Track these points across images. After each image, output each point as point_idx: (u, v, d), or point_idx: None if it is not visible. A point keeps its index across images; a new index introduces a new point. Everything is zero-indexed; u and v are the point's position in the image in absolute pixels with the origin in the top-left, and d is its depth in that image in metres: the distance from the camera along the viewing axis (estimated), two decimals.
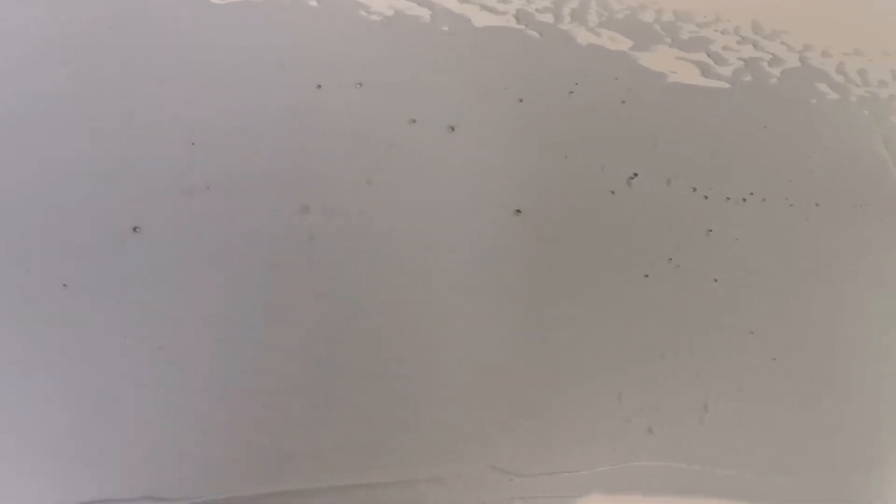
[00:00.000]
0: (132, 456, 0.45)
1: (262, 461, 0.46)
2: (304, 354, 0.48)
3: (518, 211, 0.52)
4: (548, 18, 0.54)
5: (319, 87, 0.51)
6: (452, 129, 0.52)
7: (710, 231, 0.54)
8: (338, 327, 0.48)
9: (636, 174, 0.53)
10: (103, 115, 0.48)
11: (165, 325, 0.46)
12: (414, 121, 0.52)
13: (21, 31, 0.47)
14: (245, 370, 0.47)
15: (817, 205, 0.54)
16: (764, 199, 0.54)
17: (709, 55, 0.55)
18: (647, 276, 0.52)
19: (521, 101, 0.53)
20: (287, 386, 0.47)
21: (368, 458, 0.48)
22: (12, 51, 0.47)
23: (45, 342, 0.45)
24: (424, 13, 0.53)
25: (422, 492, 0.49)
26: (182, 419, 0.46)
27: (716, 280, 0.53)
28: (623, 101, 0.54)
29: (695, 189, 0.54)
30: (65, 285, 0.46)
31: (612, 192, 0.53)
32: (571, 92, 0.54)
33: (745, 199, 0.54)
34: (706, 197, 0.53)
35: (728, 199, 0.54)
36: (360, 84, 0.51)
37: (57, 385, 0.45)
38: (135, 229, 0.47)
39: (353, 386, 0.48)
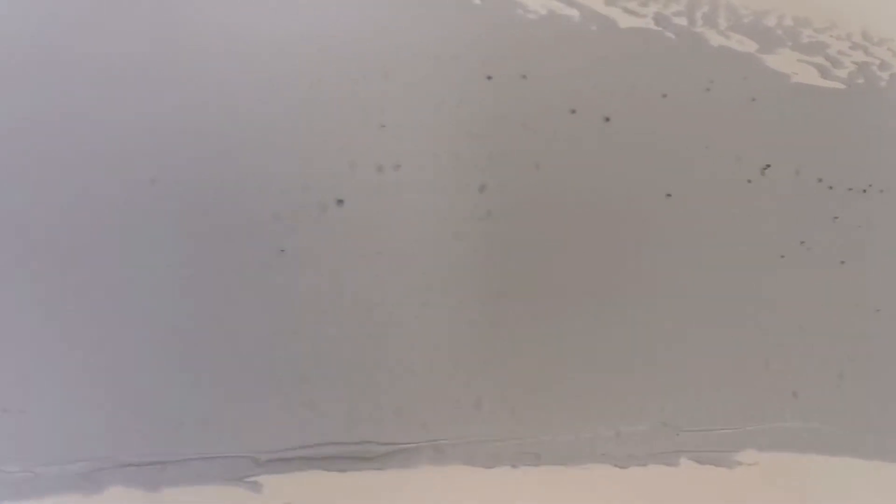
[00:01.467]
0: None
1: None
2: (484, 324, 0.51)
3: (669, 195, 0.56)
4: (682, 21, 0.60)
5: (490, 78, 0.55)
6: (608, 119, 0.56)
7: (836, 218, 0.59)
8: (518, 295, 0.52)
9: (769, 165, 0.58)
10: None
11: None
12: (574, 111, 0.56)
13: None
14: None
15: None
16: (882, 190, 0.60)
17: (826, 58, 0.61)
18: (782, 256, 0.57)
19: (664, 96, 0.58)
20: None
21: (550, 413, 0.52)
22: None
23: None
24: (574, 13, 0.58)
25: (600, 444, 0.52)
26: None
27: (842, 262, 0.58)
28: (753, 99, 0.59)
29: (820, 180, 0.59)
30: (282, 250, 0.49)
31: (749, 181, 0.58)
32: (707, 89, 0.59)
33: (864, 190, 0.60)
34: (831, 187, 0.59)
35: (850, 189, 0.59)
36: (525, 76, 0.55)
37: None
38: (339, 202, 0.50)
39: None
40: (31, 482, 0.43)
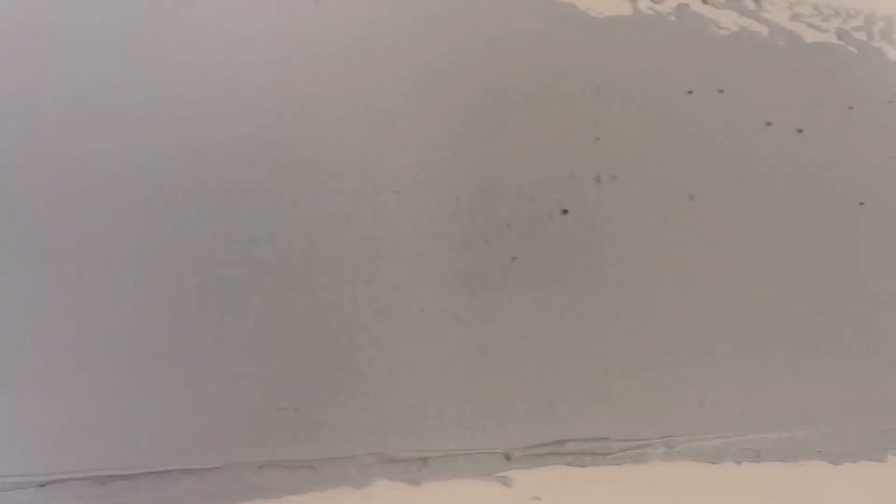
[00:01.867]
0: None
1: None
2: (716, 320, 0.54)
3: (861, 203, 0.59)
4: (862, 36, 0.62)
5: (690, 92, 0.58)
6: (800, 131, 0.59)
7: None
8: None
9: None
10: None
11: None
12: (769, 123, 0.59)
13: None
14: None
15: None
16: None
17: None
18: None
19: (850, 108, 0.61)
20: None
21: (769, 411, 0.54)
22: None
23: None
24: (763, 29, 0.61)
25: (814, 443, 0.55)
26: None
27: None
28: None
29: None
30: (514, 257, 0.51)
31: None
32: (890, 101, 0.62)
33: None
34: None
35: None
36: (722, 90, 0.58)
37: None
38: (563, 212, 0.53)
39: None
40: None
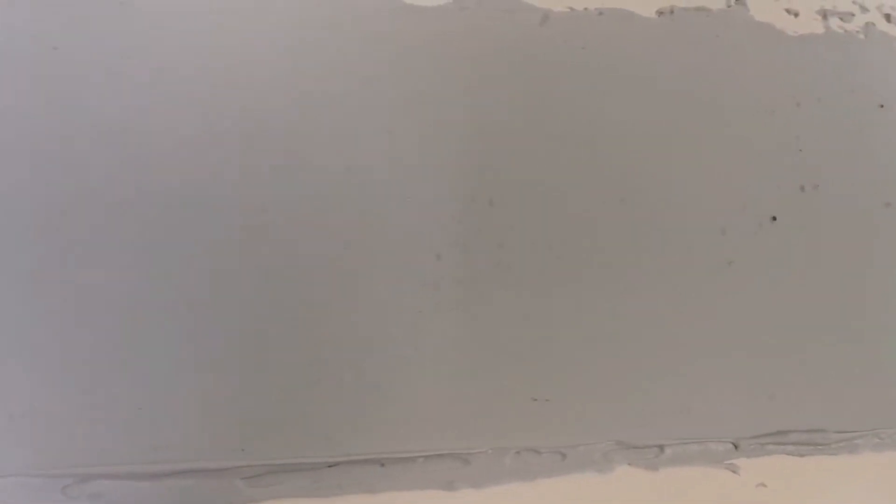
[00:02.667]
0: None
1: None
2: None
3: None
4: None
5: (882, 106, 0.62)
6: None
7: None
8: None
9: None
10: None
11: None
12: None
13: None
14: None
15: None
16: None
17: None
18: None
19: None
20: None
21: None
22: None
23: None
24: None
25: None
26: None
27: None
28: None
29: None
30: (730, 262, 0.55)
31: None
32: None
33: None
34: None
35: None
36: None
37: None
38: (773, 219, 0.57)
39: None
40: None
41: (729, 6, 0.57)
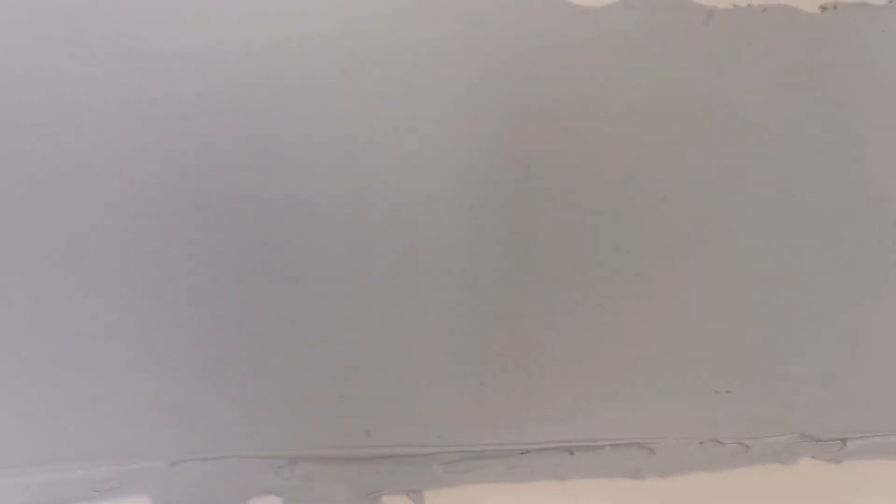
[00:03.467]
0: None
1: None
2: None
3: None
4: None
5: None
6: None
7: None
8: None
9: None
10: None
11: None
12: None
13: None
14: None
15: None
16: None
17: None
18: None
19: None
20: None
21: None
22: None
23: None
24: None
25: None
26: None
27: None
28: None
29: None
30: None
31: None
32: None
33: None
34: None
35: None
36: None
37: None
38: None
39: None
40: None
41: (891, 1, 0.57)
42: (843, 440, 0.52)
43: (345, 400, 0.48)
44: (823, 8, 0.56)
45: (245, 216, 0.48)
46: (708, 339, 0.51)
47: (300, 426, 0.47)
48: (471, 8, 0.50)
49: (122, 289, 0.46)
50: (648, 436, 0.50)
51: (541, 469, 0.49)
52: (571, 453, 0.49)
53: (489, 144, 0.50)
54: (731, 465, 0.51)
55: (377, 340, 0.48)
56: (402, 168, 0.49)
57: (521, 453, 0.49)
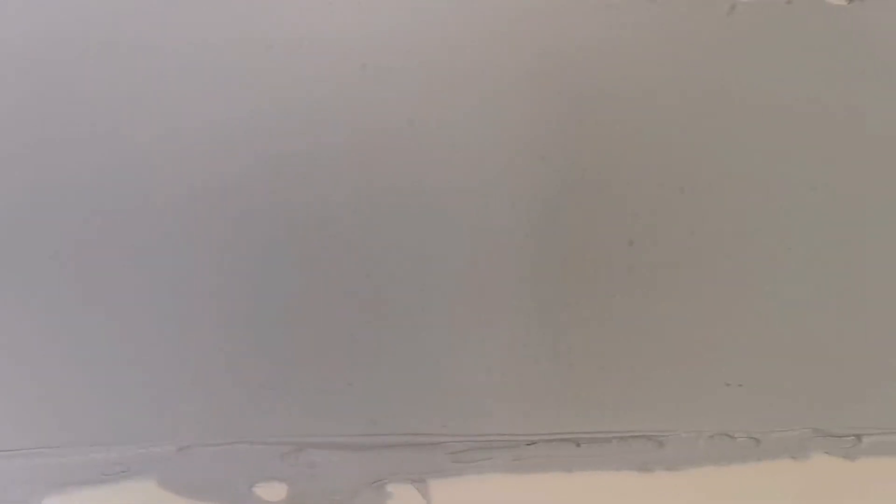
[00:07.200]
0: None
1: None
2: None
3: None
4: None
5: None
6: None
7: None
8: None
9: None
10: None
11: None
12: None
13: None
14: None
15: None
16: None
17: None
18: None
19: None
20: None
21: None
22: None
23: None
24: None
25: None
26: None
27: None
28: None
29: None
30: None
31: None
32: None
33: None
34: None
35: None
36: None
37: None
38: None
39: None
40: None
41: None
42: (859, 436, 0.51)
43: (352, 388, 0.47)
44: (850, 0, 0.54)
45: (256, 205, 0.48)
46: (720, 331, 0.50)
47: (307, 413, 0.47)
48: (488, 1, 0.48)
49: (130, 276, 0.47)
50: (657, 429, 0.49)
51: (547, 461, 0.49)
52: (578, 445, 0.49)
53: (505, 137, 0.50)
54: (741, 460, 0.50)
55: (385, 329, 0.48)
56: (417, 162, 0.49)
57: (528, 444, 0.49)
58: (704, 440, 0.50)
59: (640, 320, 0.50)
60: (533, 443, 0.49)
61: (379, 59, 0.49)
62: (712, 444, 0.50)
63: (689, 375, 0.50)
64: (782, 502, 0.50)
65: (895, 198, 0.53)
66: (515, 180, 0.49)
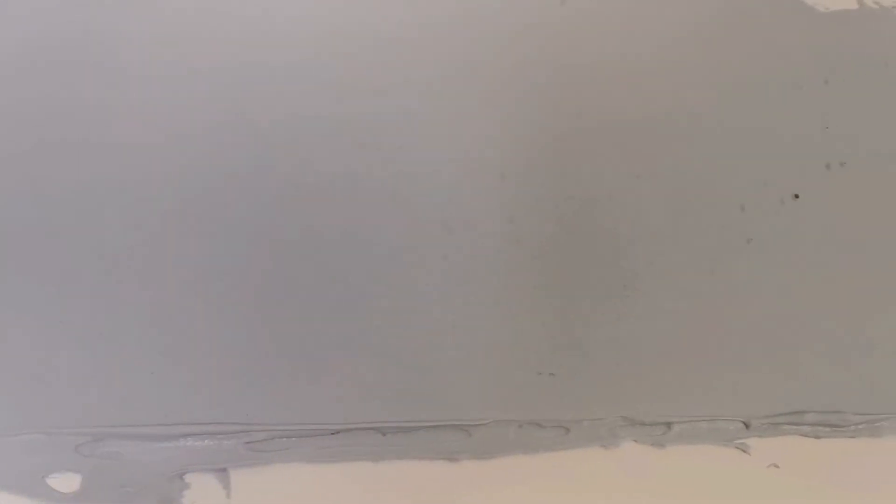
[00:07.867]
0: None
1: None
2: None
3: None
4: None
5: None
6: None
7: None
8: None
9: None
10: None
11: None
12: None
13: None
14: None
15: None
16: None
17: None
18: None
19: None
20: None
21: None
22: None
23: None
24: None
25: None
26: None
27: None
28: None
29: None
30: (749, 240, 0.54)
31: None
32: None
33: None
34: None
35: None
36: None
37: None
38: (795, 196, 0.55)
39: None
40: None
41: None
42: (668, 424, 0.51)
43: (153, 376, 0.47)
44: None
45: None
46: (530, 322, 0.50)
47: (103, 402, 0.47)
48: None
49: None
50: (465, 418, 0.49)
51: (352, 449, 0.48)
52: (384, 434, 0.49)
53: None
54: (550, 448, 0.50)
55: (179, 320, 0.48)
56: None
57: (332, 434, 0.48)
58: (514, 429, 0.50)
59: (450, 309, 0.49)
60: (336, 432, 0.48)
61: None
62: (522, 433, 0.50)
63: (501, 365, 0.49)
64: (592, 489, 0.50)
65: None
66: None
